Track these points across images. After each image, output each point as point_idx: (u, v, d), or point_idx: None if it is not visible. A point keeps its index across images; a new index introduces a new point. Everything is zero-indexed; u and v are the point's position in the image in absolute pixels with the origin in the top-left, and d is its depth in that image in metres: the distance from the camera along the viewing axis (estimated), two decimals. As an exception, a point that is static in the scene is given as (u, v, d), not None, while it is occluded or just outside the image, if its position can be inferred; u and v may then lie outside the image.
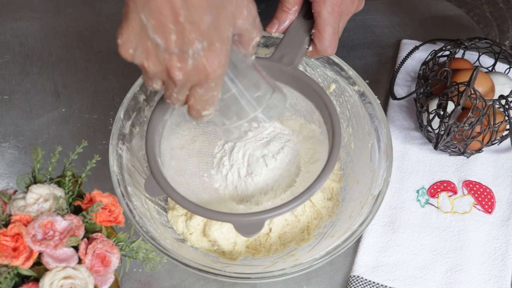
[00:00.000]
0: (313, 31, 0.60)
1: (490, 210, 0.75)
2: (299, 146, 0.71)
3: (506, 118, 0.72)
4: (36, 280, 0.50)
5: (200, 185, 0.69)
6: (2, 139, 0.79)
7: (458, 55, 0.82)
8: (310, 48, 0.61)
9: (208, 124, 0.70)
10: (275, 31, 0.61)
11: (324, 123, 0.61)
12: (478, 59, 0.82)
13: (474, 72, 0.69)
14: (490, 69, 0.82)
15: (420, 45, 0.85)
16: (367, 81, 0.72)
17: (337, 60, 0.71)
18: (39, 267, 0.50)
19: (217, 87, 0.48)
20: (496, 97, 0.75)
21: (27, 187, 0.54)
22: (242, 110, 0.56)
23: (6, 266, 0.49)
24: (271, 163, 0.68)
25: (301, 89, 0.62)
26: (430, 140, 0.77)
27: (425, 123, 0.76)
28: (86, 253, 0.51)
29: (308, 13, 0.61)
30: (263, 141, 0.70)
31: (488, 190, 0.76)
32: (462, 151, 0.75)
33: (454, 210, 0.75)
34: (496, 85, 0.75)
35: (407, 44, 0.88)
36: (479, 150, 0.75)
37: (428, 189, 0.76)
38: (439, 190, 0.76)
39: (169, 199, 0.72)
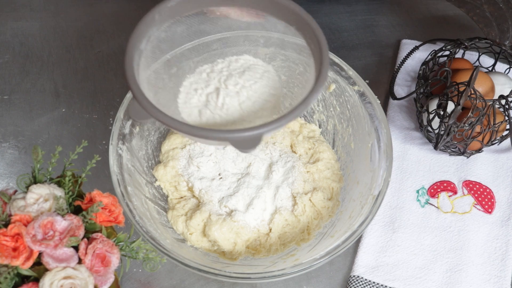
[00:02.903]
0: None
1: (490, 210, 0.75)
2: (278, 76, 0.66)
3: (506, 118, 0.72)
4: (36, 280, 0.50)
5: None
6: (2, 139, 0.79)
7: (458, 55, 0.82)
8: None
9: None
10: None
11: (307, 44, 0.58)
12: (478, 59, 0.82)
13: (474, 72, 0.69)
14: (490, 69, 0.82)
15: (420, 45, 0.85)
16: (367, 81, 0.72)
17: (337, 60, 0.71)
18: (39, 267, 0.50)
19: None
20: (496, 97, 0.75)
21: (27, 187, 0.54)
22: None
23: (6, 266, 0.49)
24: (247, 93, 0.63)
25: (280, 13, 0.59)
26: (430, 140, 0.77)
27: (425, 123, 0.76)
28: (86, 253, 0.51)
29: None
30: (237, 71, 0.66)
31: (488, 190, 0.76)
32: (462, 151, 0.75)
33: (454, 210, 0.75)
34: (496, 85, 0.75)
35: (407, 44, 0.88)
36: (479, 150, 0.75)
37: (428, 189, 0.76)
38: (439, 190, 0.76)
39: (169, 199, 0.72)
